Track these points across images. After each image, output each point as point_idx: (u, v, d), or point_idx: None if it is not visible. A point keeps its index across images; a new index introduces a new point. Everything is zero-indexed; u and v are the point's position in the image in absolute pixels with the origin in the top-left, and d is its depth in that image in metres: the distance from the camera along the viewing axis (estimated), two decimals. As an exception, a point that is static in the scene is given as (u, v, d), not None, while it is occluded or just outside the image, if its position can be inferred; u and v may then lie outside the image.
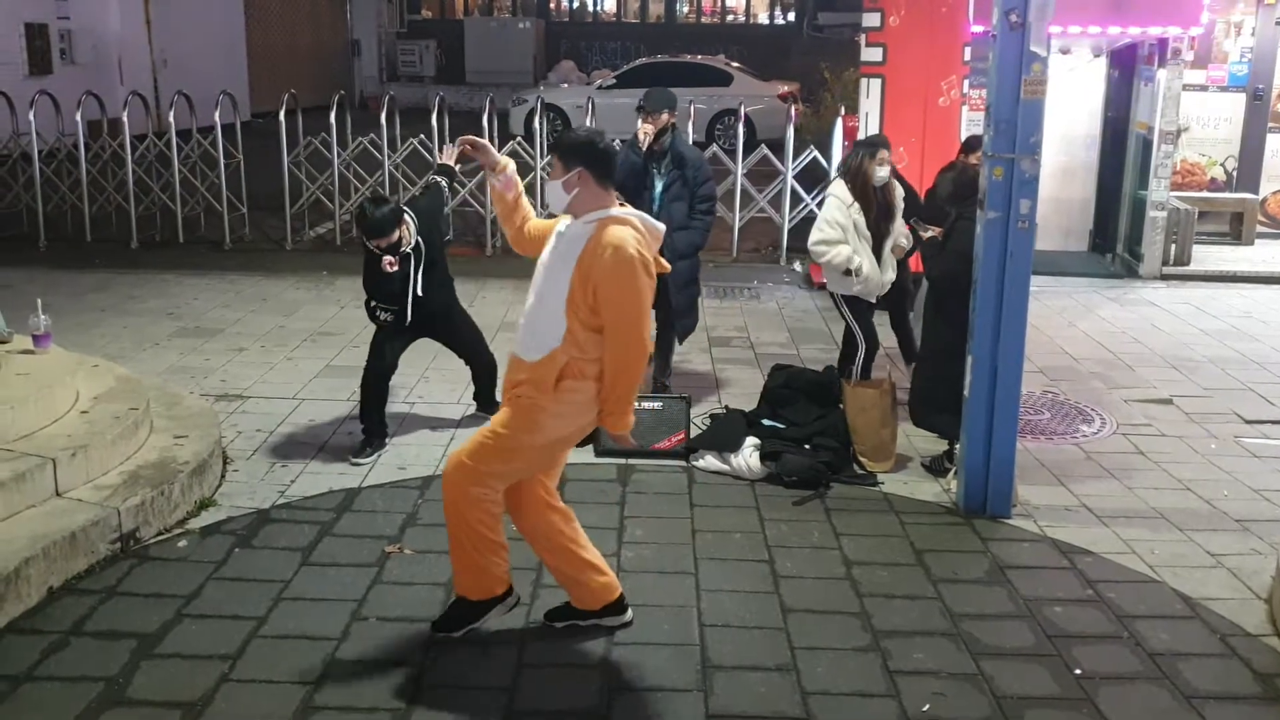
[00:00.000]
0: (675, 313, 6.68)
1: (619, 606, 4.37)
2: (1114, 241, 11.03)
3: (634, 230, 3.95)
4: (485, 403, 6.61)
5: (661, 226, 4.13)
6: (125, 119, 11.37)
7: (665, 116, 6.44)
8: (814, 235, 6.38)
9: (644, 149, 6.46)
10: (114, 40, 20.20)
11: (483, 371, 6.57)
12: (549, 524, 4.26)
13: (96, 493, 4.93)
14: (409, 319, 6.06)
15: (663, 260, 4.13)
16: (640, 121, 6.51)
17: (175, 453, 5.43)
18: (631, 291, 3.90)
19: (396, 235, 5.84)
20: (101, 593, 4.50)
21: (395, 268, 5.85)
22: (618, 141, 6.34)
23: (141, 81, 19.22)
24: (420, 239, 5.97)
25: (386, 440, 6.18)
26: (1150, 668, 4.12)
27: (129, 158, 11.50)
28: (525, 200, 4.47)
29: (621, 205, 4.06)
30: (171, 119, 11.39)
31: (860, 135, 9.71)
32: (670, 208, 6.48)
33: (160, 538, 4.99)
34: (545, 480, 4.27)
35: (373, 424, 6.13)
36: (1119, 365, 7.88)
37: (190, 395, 6.50)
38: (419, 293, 6.03)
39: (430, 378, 7.25)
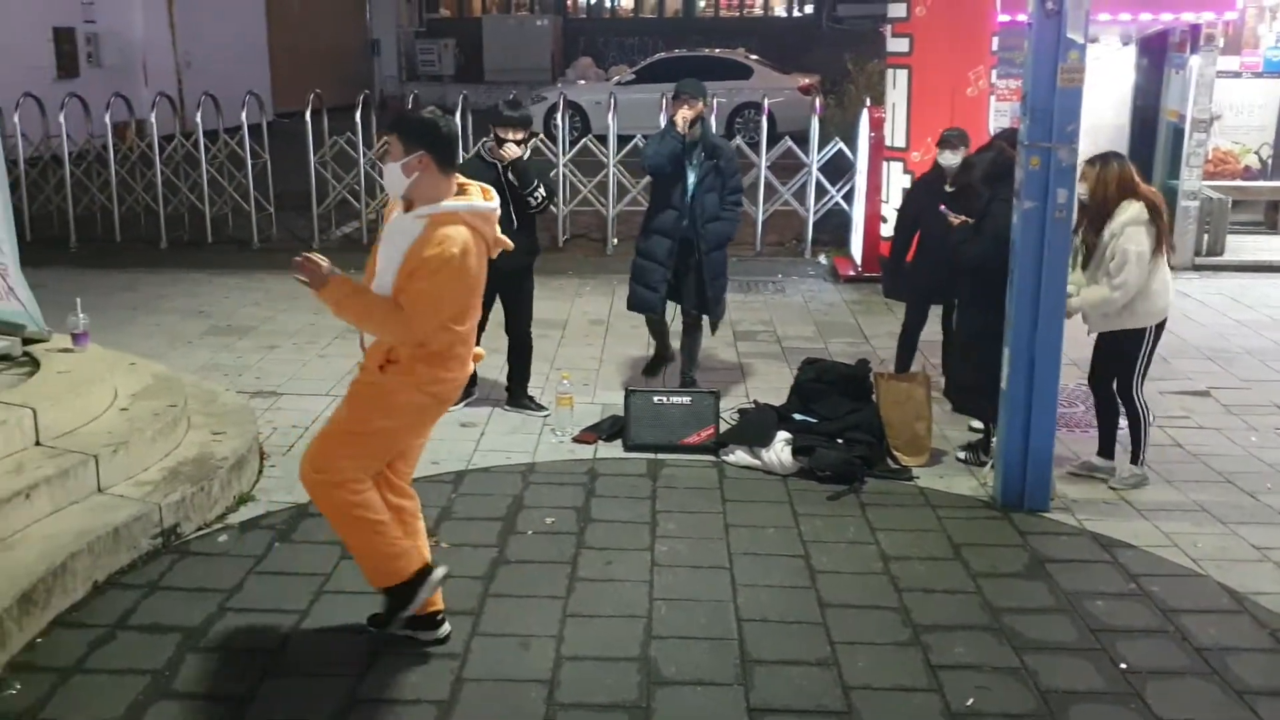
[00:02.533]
0: (708, 304, 6.66)
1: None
2: (1144, 233, 10.93)
3: (465, 226, 3.78)
4: (516, 395, 6.65)
5: (493, 204, 3.93)
6: (153, 120, 11.44)
7: (700, 105, 6.43)
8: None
9: (683, 135, 6.39)
10: (138, 43, 20.33)
11: (518, 346, 6.68)
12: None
13: (138, 489, 4.96)
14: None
15: (504, 239, 3.97)
16: (680, 108, 6.43)
17: (214, 449, 5.45)
18: (430, 288, 3.71)
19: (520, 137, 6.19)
20: (145, 587, 4.54)
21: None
22: (640, 138, 6.39)
23: (166, 83, 19.34)
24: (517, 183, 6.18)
25: (474, 389, 6.60)
26: (1198, 663, 4.08)
27: (157, 159, 11.56)
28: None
29: (461, 191, 3.88)
30: (199, 119, 11.45)
31: (887, 126, 9.68)
32: (704, 199, 6.47)
33: (201, 533, 5.02)
34: (394, 468, 4.13)
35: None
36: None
37: (226, 392, 6.52)
38: (510, 219, 6.01)
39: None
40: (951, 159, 6.50)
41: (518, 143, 6.24)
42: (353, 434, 3.94)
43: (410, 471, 4.24)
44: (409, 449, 4.18)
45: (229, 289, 9.71)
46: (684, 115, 6.40)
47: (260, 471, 5.70)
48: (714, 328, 6.97)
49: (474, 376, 6.64)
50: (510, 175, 6.23)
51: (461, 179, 3.94)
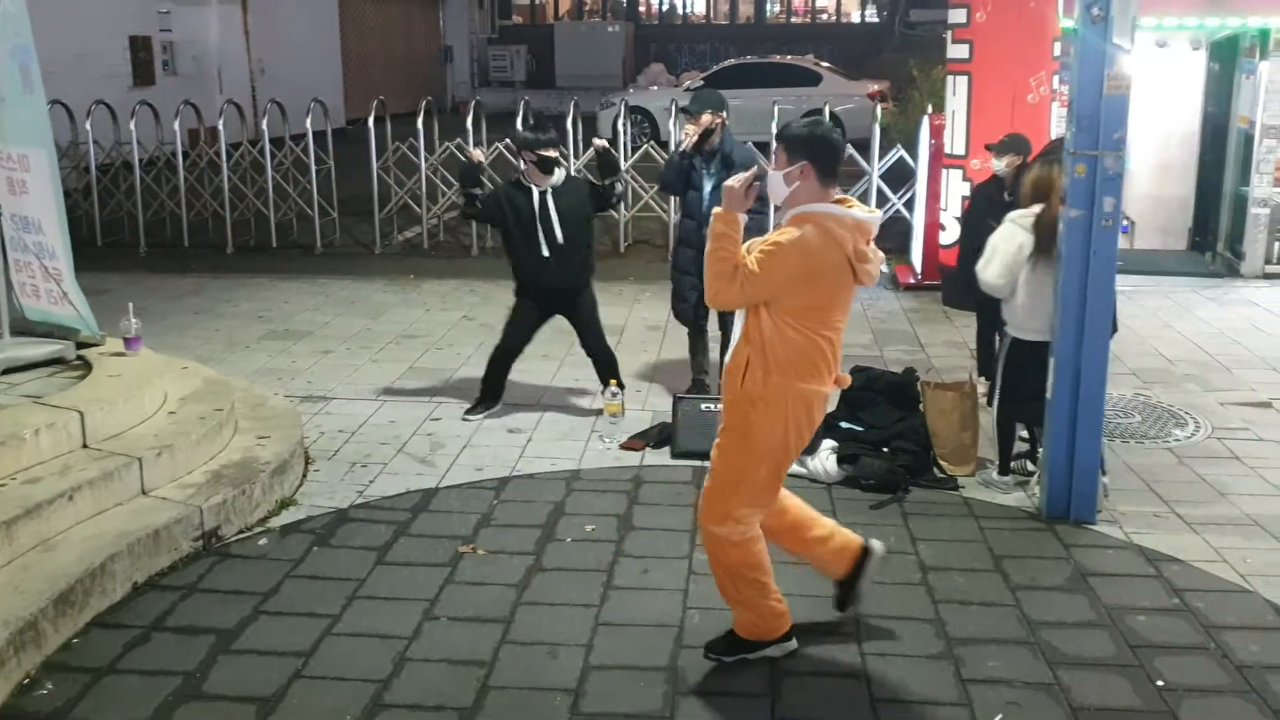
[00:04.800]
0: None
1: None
2: (1214, 240, 10.68)
3: (814, 226, 3.82)
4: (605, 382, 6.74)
5: (865, 216, 3.92)
6: (221, 127, 11.68)
7: (708, 117, 6.43)
8: None
9: (687, 150, 6.53)
10: (214, 51, 20.79)
11: (600, 360, 6.77)
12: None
13: (180, 491, 5.06)
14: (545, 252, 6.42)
15: (870, 253, 3.91)
16: (688, 124, 6.61)
17: (257, 453, 5.55)
18: (763, 258, 3.79)
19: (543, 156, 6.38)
20: (183, 589, 4.62)
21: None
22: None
23: (240, 90, 19.75)
24: (560, 202, 6.39)
25: (499, 403, 6.78)
26: (1238, 680, 3.97)
27: (225, 165, 11.81)
28: None
29: (840, 202, 3.93)
30: (265, 126, 11.68)
31: (947, 134, 9.57)
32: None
33: (241, 536, 5.11)
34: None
35: (490, 388, 6.73)
36: (1216, 367, 7.63)
37: (275, 396, 6.63)
38: (557, 239, 6.38)
39: (510, 379, 7.30)
40: (1000, 166, 6.42)
41: (549, 160, 6.39)
42: (743, 481, 3.98)
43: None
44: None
45: (290, 293, 9.88)
46: (688, 131, 6.52)
47: (304, 476, 5.78)
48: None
49: (498, 392, 6.72)
50: (551, 202, 6.39)
51: (843, 195, 4.00)
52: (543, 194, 6.40)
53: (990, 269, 5.48)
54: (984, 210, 6.56)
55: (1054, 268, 5.26)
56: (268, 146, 11.72)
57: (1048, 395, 5.26)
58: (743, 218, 3.92)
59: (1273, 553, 4.94)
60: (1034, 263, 5.40)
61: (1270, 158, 9.88)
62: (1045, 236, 5.35)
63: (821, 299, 3.88)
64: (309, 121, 11.57)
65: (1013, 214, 5.58)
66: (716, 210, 3.94)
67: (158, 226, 12.21)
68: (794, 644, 4.18)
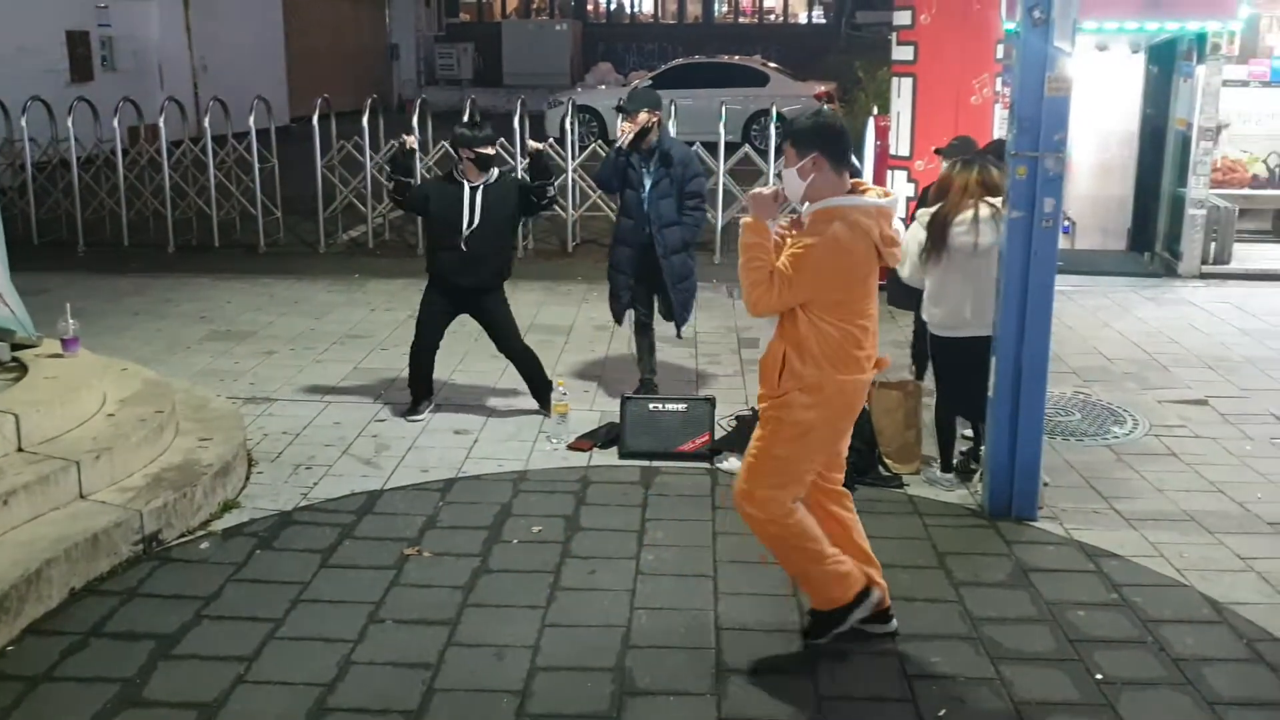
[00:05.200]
0: (673, 309, 6.80)
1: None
2: (1153, 240, 10.87)
3: (842, 221, 3.86)
4: (542, 403, 6.71)
5: (885, 201, 3.98)
6: (162, 125, 11.51)
7: (644, 116, 6.46)
8: None
9: (623, 148, 6.53)
10: (154, 47, 20.46)
11: (519, 361, 6.71)
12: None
13: (120, 495, 4.98)
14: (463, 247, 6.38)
15: (895, 235, 3.98)
16: (620, 121, 6.61)
17: (199, 455, 5.47)
18: (796, 262, 3.84)
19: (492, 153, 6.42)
20: (122, 594, 4.55)
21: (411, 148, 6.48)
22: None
23: (181, 87, 19.47)
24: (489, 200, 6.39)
25: (434, 399, 6.77)
26: (1174, 673, 4.05)
27: (166, 163, 11.64)
28: None
29: (854, 190, 3.97)
30: (207, 124, 11.54)
31: (892, 135, 9.65)
32: (659, 205, 6.58)
33: (182, 539, 5.04)
34: (825, 476, 4.22)
35: (420, 385, 6.70)
36: (1154, 366, 7.76)
37: (217, 398, 6.55)
38: (479, 237, 6.38)
39: (456, 380, 7.27)
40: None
41: (486, 158, 6.40)
42: (766, 465, 4.04)
43: (841, 475, 4.30)
44: (832, 457, 4.23)
45: (233, 293, 9.76)
46: (623, 129, 6.52)
47: (247, 478, 5.72)
48: (679, 330, 7.00)
49: (429, 388, 6.69)
50: (480, 199, 6.37)
51: (859, 180, 4.05)
52: (474, 190, 6.39)
53: (903, 268, 5.62)
54: None
55: (952, 265, 5.47)
56: (210, 144, 11.57)
57: (989, 394, 5.32)
58: (773, 225, 3.99)
59: (1208, 548, 5.03)
60: (925, 260, 5.58)
61: (1207, 159, 10.08)
62: (935, 235, 5.54)
63: (855, 291, 3.95)
64: (252, 119, 11.43)
65: (919, 212, 5.77)
66: (745, 220, 4.01)
67: (97, 225, 12.02)
68: (877, 596, 4.21)
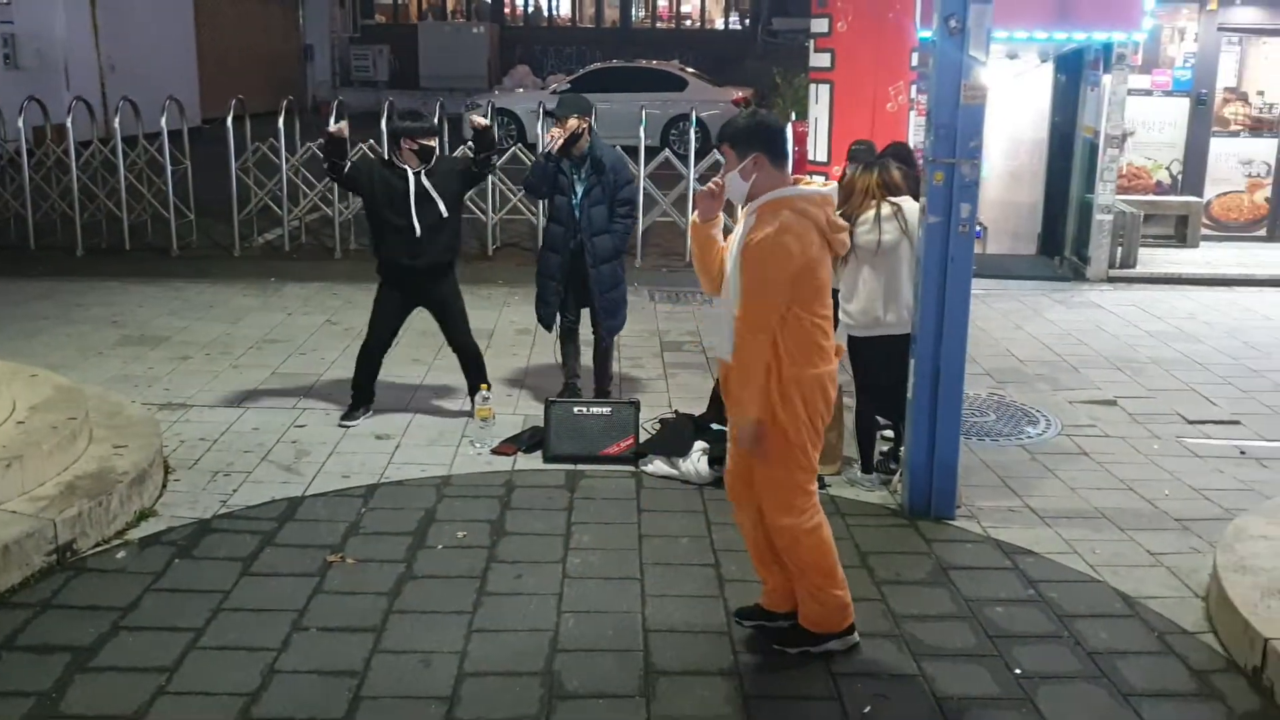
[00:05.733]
0: (600, 314, 6.74)
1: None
2: (1062, 244, 11.14)
3: (789, 210, 3.89)
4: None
5: (824, 190, 4.04)
6: (70, 125, 11.22)
7: (574, 121, 6.44)
8: None
9: (552, 153, 6.49)
10: (59, 45, 19.91)
11: (465, 356, 6.71)
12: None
13: (32, 504, 4.85)
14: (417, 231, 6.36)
15: (841, 222, 4.06)
16: (541, 127, 6.60)
17: (114, 463, 5.35)
18: (759, 271, 3.86)
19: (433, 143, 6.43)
20: (36, 606, 4.43)
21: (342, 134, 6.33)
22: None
23: (89, 87, 18.96)
24: (433, 181, 6.38)
25: (371, 406, 6.72)
26: (1089, 667, 4.16)
27: (74, 164, 11.35)
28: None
29: (798, 182, 4.02)
30: (117, 125, 11.27)
31: (810, 140, 9.77)
32: (590, 212, 6.54)
33: (98, 549, 4.92)
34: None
35: (362, 389, 6.68)
36: (1064, 367, 7.97)
37: (132, 404, 6.40)
38: (428, 219, 6.36)
39: (376, 388, 7.20)
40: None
41: (429, 149, 6.41)
42: (781, 479, 4.08)
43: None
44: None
45: (145, 297, 9.55)
46: (554, 134, 6.49)
47: (164, 486, 5.60)
48: (607, 338, 6.94)
49: (371, 393, 6.65)
50: (426, 180, 6.32)
51: (798, 175, 4.10)
52: (416, 174, 6.36)
53: None
54: None
55: (859, 264, 5.64)
56: (120, 145, 11.30)
57: (909, 395, 5.42)
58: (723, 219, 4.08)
59: (1120, 544, 5.18)
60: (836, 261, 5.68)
61: (1113, 166, 10.37)
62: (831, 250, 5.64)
63: (822, 277, 3.98)
64: (164, 120, 11.20)
65: None
66: (694, 222, 4.08)
67: (1, 228, 11.67)
68: (856, 638, 4.26)
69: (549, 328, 6.91)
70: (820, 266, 3.97)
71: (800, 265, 3.88)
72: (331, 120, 6.59)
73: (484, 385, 6.56)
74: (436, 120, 10.97)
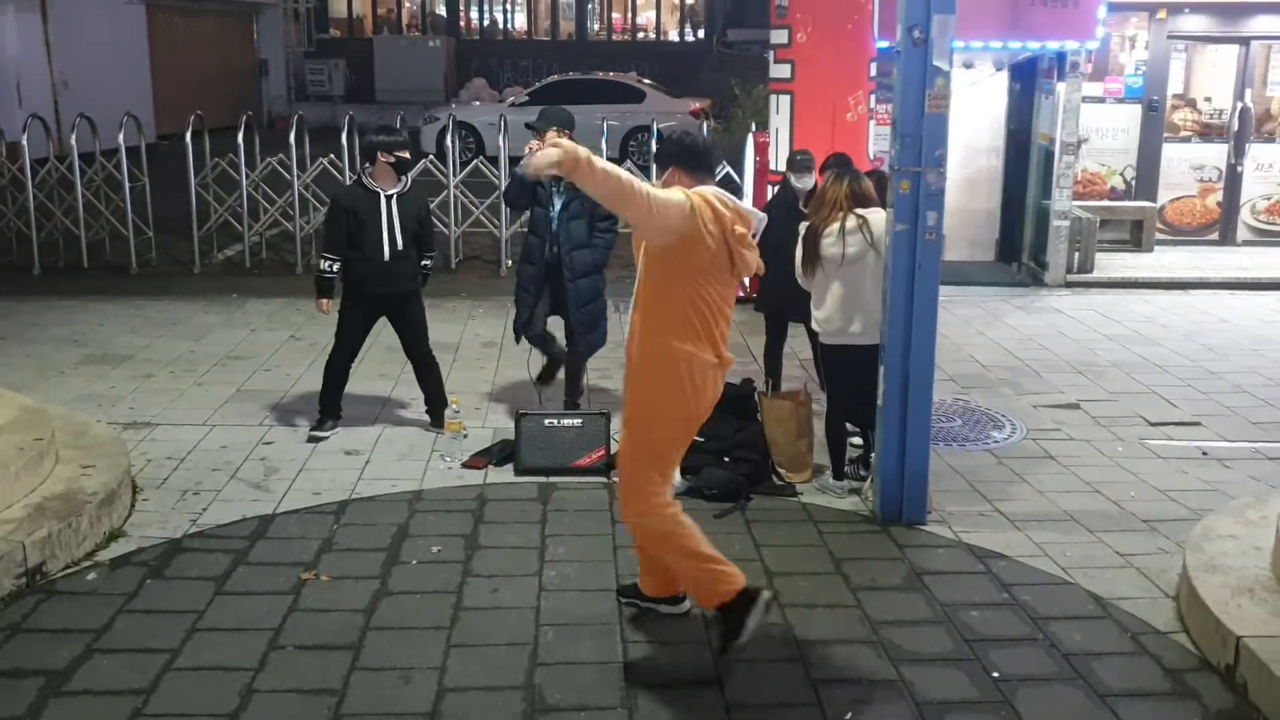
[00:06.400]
0: (577, 330, 6.70)
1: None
2: (1019, 250, 11.28)
3: (699, 195, 4.04)
4: (435, 416, 6.69)
5: (758, 216, 4.25)
6: (25, 142, 11.08)
7: (553, 135, 6.41)
8: None
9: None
10: (11, 62, 19.66)
11: (421, 366, 6.70)
12: None
13: (0, 527, 4.79)
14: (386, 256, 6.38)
15: (750, 240, 4.17)
16: (532, 141, 6.56)
17: (83, 483, 5.29)
18: (663, 199, 3.92)
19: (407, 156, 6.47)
20: (5, 630, 4.36)
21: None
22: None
23: (42, 104, 18.71)
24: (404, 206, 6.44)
25: (339, 420, 6.69)
26: (1065, 668, 4.21)
27: (29, 182, 11.21)
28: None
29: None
30: (74, 142, 11.14)
31: (771, 150, 9.83)
32: (569, 226, 6.52)
33: (68, 571, 4.86)
34: None
35: (330, 402, 6.65)
36: (1027, 372, 8.06)
37: (97, 424, 6.33)
38: (397, 245, 6.39)
39: (344, 404, 7.16)
40: (802, 182, 6.76)
41: (406, 161, 6.46)
42: (641, 457, 4.21)
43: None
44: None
45: (105, 316, 9.44)
46: (533, 146, 6.42)
47: (133, 506, 5.54)
48: (586, 355, 6.90)
49: (339, 406, 6.63)
50: (395, 207, 6.38)
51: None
52: (389, 198, 6.35)
53: (799, 278, 5.91)
54: (779, 220, 6.69)
55: (826, 275, 5.73)
56: (76, 163, 11.18)
57: (879, 403, 5.47)
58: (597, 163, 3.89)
59: (1089, 545, 5.25)
60: (804, 271, 5.85)
61: (1069, 172, 10.53)
62: (808, 246, 5.82)
63: (701, 257, 4.02)
64: (120, 136, 11.09)
65: (801, 225, 5.99)
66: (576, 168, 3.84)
67: (-45, 248, 11.53)
68: (766, 594, 4.25)
69: (530, 339, 6.88)
70: (701, 246, 4.00)
71: (691, 216, 3.96)
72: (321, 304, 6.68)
73: (453, 400, 6.55)
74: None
